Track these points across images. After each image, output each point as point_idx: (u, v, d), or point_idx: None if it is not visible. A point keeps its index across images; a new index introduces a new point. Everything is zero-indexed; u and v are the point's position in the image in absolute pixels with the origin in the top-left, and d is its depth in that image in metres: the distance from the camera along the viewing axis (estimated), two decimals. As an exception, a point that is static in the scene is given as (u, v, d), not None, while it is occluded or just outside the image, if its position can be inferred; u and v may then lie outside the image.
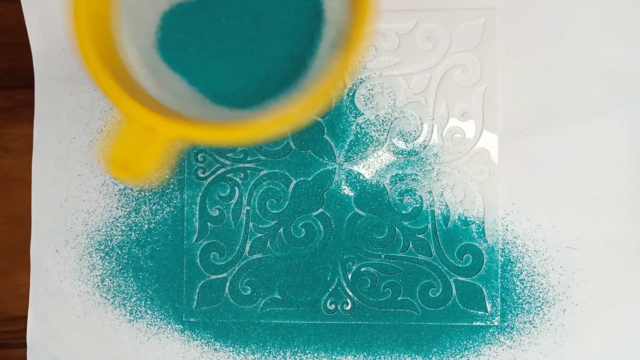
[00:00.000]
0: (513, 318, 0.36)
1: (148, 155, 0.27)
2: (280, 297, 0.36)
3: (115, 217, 0.37)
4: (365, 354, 0.36)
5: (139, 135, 0.27)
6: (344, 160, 0.36)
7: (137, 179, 0.28)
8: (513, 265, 0.36)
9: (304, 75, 0.28)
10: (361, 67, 0.35)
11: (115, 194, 0.37)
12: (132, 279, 0.37)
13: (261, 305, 0.36)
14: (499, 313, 0.36)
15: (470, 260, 0.36)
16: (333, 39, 0.28)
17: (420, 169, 0.36)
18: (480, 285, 0.36)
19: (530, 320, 0.36)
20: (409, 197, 0.36)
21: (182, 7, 0.29)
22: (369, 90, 0.36)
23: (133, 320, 0.37)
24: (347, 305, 0.36)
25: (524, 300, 0.36)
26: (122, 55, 0.28)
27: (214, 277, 0.36)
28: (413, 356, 0.36)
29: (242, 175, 0.36)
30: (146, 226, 0.37)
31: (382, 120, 0.36)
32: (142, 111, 0.26)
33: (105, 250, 0.37)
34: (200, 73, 0.29)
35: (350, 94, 0.36)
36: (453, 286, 0.36)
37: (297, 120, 0.26)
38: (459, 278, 0.36)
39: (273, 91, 0.29)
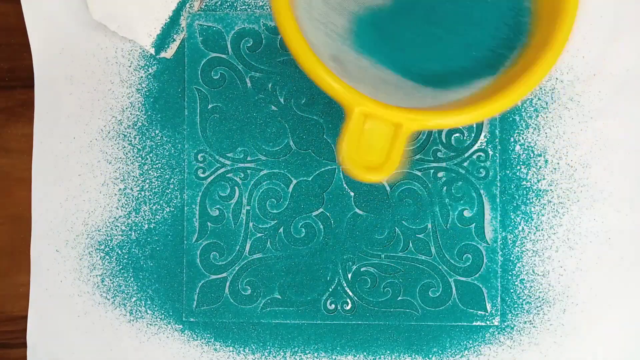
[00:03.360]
0: (513, 318, 0.36)
1: (395, 151, 0.27)
2: (280, 297, 0.36)
3: (115, 217, 0.37)
4: (365, 353, 0.36)
5: (383, 132, 0.26)
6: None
7: (387, 177, 0.28)
8: (513, 265, 0.36)
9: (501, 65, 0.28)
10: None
11: (115, 194, 0.37)
12: (132, 279, 0.37)
13: (261, 305, 0.36)
14: (498, 313, 0.36)
15: (470, 260, 0.36)
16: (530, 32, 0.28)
17: (421, 169, 0.36)
18: (480, 285, 0.36)
19: (530, 320, 0.36)
20: (409, 197, 0.36)
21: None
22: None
23: (133, 320, 0.37)
24: (347, 305, 0.36)
25: (524, 300, 0.36)
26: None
27: (214, 277, 0.36)
28: (413, 356, 0.36)
29: (242, 175, 0.36)
30: (146, 226, 0.37)
31: (382, 120, 0.36)
32: (389, 109, 0.26)
33: (105, 250, 0.37)
34: (393, 54, 0.29)
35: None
36: (453, 286, 0.36)
37: (509, 103, 0.27)
38: (459, 278, 0.36)
39: (470, 75, 0.29)
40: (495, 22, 0.29)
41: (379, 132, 0.27)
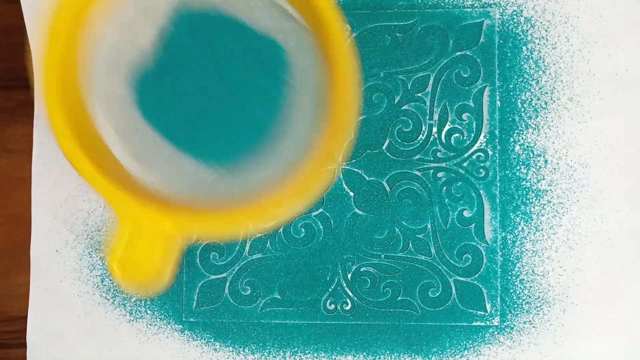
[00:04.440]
0: (513, 318, 0.36)
1: (154, 256, 0.26)
2: (280, 297, 0.36)
3: (115, 217, 0.37)
4: (364, 353, 0.36)
5: (156, 243, 0.26)
6: (343, 160, 0.36)
7: (142, 284, 0.28)
8: (513, 265, 0.36)
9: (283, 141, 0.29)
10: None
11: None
12: (132, 279, 0.37)
13: (261, 305, 0.36)
14: (498, 313, 0.36)
15: (470, 261, 0.36)
16: (309, 109, 0.29)
17: (420, 169, 0.36)
18: (480, 286, 0.36)
19: (530, 321, 0.36)
20: (409, 197, 0.36)
21: (149, 76, 0.29)
22: (369, 89, 0.36)
23: (133, 320, 0.37)
24: (347, 305, 0.36)
25: (524, 300, 0.36)
26: (98, 133, 0.28)
27: (213, 277, 0.36)
28: (413, 356, 0.36)
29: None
30: (146, 226, 0.37)
31: (382, 120, 0.36)
32: (136, 206, 0.25)
33: (105, 250, 0.37)
34: (182, 132, 0.30)
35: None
36: (453, 286, 0.36)
37: (297, 202, 0.27)
38: (459, 278, 0.36)
39: (251, 145, 0.30)
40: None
41: (151, 243, 0.26)
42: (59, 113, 0.26)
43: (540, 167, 0.36)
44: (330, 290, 0.36)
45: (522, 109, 0.36)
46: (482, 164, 0.36)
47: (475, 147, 0.36)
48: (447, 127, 0.36)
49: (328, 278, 0.36)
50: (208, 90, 0.29)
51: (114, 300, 0.37)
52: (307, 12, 0.28)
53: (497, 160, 0.36)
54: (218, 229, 0.27)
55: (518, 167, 0.36)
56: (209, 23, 0.29)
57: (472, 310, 0.36)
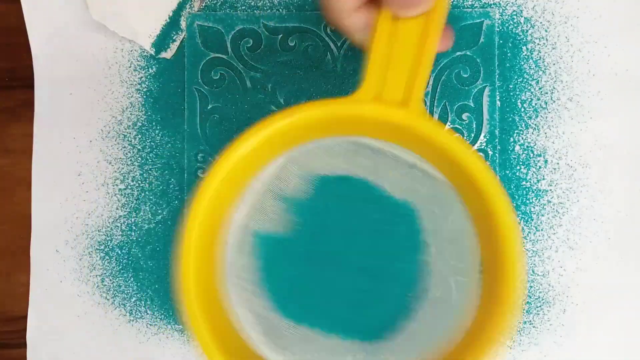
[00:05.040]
0: (513, 318, 0.36)
1: None
2: (280, 297, 0.36)
3: (115, 217, 0.37)
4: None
5: None
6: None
7: None
8: (513, 265, 0.36)
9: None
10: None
11: (115, 194, 0.37)
12: (132, 279, 0.37)
13: (261, 305, 0.36)
14: (498, 313, 0.36)
15: (470, 260, 0.36)
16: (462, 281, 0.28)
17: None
18: (480, 285, 0.36)
19: (530, 321, 0.36)
20: (409, 197, 0.36)
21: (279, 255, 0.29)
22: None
23: (133, 320, 0.37)
24: (347, 305, 0.36)
25: (524, 300, 0.36)
26: (232, 322, 0.28)
27: (214, 277, 0.36)
28: (413, 356, 0.36)
29: (242, 175, 0.36)
30: (146, 226, 0.37)
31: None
32: None
33: (105, 250, 0.37)
34: (317, 314, 0.28)
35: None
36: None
37: None
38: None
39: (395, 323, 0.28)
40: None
41: None
42: (200, 316, 0.25)
43: (540, 167, 0.36)
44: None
45: (522, 109, 0.36)
46: (482, 164, 0.36)
47: (475, 147, 0.36)
48: (447, 127, 0.36)
49: (328, 278, 0.36)
50: (343, 262, 0.28)
51: (114, 300, 0.37)
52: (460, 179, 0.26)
53: (497, 160, 0.36)
54: None
55: (518, 167, 0.36)
56: (341, 189, 0.28)
57: (472, 310, 0.36)
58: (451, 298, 0.28)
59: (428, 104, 0.36)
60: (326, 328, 0.28)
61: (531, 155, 0.36)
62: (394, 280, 0.28)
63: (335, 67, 0.36)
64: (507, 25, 0.36)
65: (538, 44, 0.36)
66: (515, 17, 0.36)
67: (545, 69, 0.36)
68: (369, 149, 0.28)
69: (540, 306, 0.36)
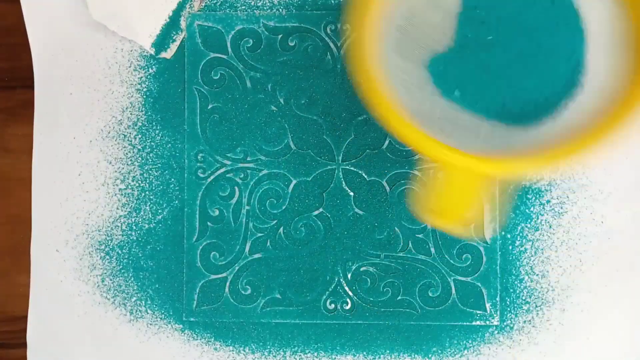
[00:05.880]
0: (512, 318, 0.36)
1: (467, 198, 0.27)
2: (280, 297, 0.36)
3: (115, 217, 0.37)
4: (364, 353, 0.36)
5: (456, 180, 0.27)
6: (343, 160, 0.36)
7: (458, 224, 0.28)
8: (512, 265, 0.36)
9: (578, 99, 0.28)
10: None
11: (116, 194, 0.37)
12: (132, 279, 0.37)
13: (261, 304, 0.36)
14: (498, 313, 0.36)
15: (470, 260, 0.36)
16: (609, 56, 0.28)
17: (420, 169, 0.36)
18: (480, 285, 0.36)
19: (530, 320, 0.36)
20: (409, 196, 0.36)
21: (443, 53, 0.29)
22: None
23: (133, 320, 0.37)
24: (347, 305, 0.36)
25: (524, 300, 0.36)
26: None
27: (214, 276, 0.36)
28: (412, 355, 0.36)
29: (242, 175, 0.36)
30: (146, 226, 0.37)
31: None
32: (459, 155, 0.26)
33: (106, 250, 0.37)
34: (469, 90, 0.29)
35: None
36: (452, 286, 0.36)
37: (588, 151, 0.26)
38: (459, 278, 0.36)
39: (549, 107, 0.29)
40: (565, 48, 0.29)
41: (453, 178, 0.27)
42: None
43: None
44: (330, 289, 0.36)
45: (522, 109, 0.36)
46: (482, 164, 0.36)
47: (475, 147, 0.36)
48: (447, 127, 0.36)
49: (328, 278, 0.36)
50: (501, 50, 0.29)
51: (114, 300, 0.37)
52: None
53: (497, 160, 0.36)
54: (525, 170, 0.27)
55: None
56: None
57: (471, 310, 0.36)
58: (603, 91, 0.28)
59: (428, 104, 0.36)
60: (485, 113, 0.29)
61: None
62: (551, 68, 0.29)
63: (335, 67, 0.36)
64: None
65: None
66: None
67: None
68: None
69: (539, 306, 0.36)
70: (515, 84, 0.29)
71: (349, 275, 0.36)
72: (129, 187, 0.37)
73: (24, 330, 0.37)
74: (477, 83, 0.29)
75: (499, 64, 0.29)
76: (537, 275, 0.36)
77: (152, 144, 0.37)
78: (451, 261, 0.36)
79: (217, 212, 0.36)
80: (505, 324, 0.36)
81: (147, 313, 0.37)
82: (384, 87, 0.27)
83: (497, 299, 0.36)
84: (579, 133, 0.27)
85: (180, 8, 0.36)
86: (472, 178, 0.27)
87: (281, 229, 0.36)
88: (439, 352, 0.36)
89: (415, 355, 0.36)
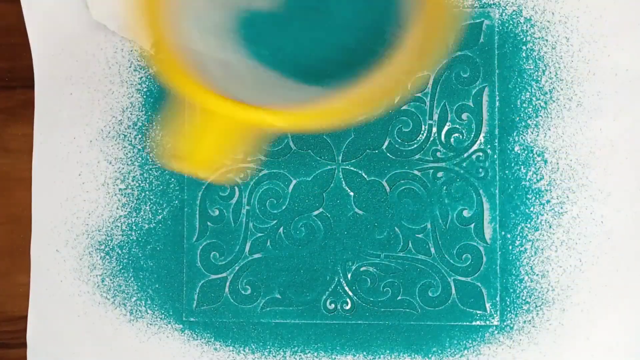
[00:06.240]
0: (512, 318, 0.36)
1: (223, 144, 0.26)
2: (280, 297, 0.36)
3: (115, 217, 0.37)
4: (364, 353, 0.36)
5: (216, 126, 0.26)
6: (343, 160, 0.36)
7: (202, 168, 0.28)
8: (512, 265, 0.36)
9: (385, 52, 0.28)
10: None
11: (116, 194, 0.37)
12: (132, 279, 0.37)
13: (261, 304, 0.36)
14: (498, 313, 0.36)
15: (470, 260, 0.36)
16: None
17: (420, 169, 0.36)
18: (480, 285, 0.36)
19: (530, 320, 0.36)
20: (408, 197, 0.36)
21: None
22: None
23: (133, 320, 0.37)
24: (347, 305, 0.36)
25: (523, 300, 0.36)
26: (180, 40, 0.27)
27: (214, 276, 0.36)
28: (412, 355, 0.36)
29: (242, 175, 0.36)
30: (146, 226, 0.37)
31: (382, 120, 0.36)
32: (208, 96, 0.25)
33: (106, 250, 0.37)
34: (270, 47, 0.29)
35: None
36: (452, 286, 0.36)
37: (370, 105, 0.26)
38: (458, 278, 0.36)
39: (353, 66, 0.28)
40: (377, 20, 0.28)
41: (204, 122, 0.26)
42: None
43: (539, 167, 0.36)
44: (330, 289, 0.36)
45: (522, 109, 0.36)
46: (481, 164, 0.36)
47: (474, 147, 0.36)
48: (446, 127, 0.36)
49: (328, 278, 0.36)
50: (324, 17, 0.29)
51: (114, 300, 0.37)
52: None
53: (497, 160, 0.36)
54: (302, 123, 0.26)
55: (517, 167, 0.36)
56: None
57: (471, 310, 0.36)
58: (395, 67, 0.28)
59: (428, 103, 0.36)
60: (288, 72, 0.29)
61: (531, 155, 0.36)
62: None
63: (335, 67, 0.36)
64: (507, 25, 0.36)
65: (538, 44, 0.36)
66: (515, 17, 0.36)
67: (545, 68, 0.36)
68: None
69: (539, 306, 0.36)
70: (321, 47, 0.29)
71: (349, 275, 0.36)
72: (129, 187, 0.37)
73: (24, 330, 0.37)
74: (286, 44, 0.29)
75: (318, 30, 0.29)
76: (537, 275, 0.36)
77: (152, 144, 0.37)
78: (451, 261, 0.36)
79: (217, 212, 0.36)
80: (505, 324, 0.36)
81: (147, 313, 0.37)
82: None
83: (497, 299, 0.36)
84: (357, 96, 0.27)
85: (180, 8, 0.36)
86: (232, 125, 0.26)
87: (281, 229, 0.36)
88: (439, 352, 0.36)
89: (415, 355, 0.36)
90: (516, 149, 0.36)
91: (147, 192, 0.37)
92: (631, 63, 0.36)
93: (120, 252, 0.37)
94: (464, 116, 0.36)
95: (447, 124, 0.36)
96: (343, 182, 0.36)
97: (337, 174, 0.36)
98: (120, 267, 0.37)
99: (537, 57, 0.36)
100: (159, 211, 0.37)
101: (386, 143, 0.36)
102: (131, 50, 0.37)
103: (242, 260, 0.36)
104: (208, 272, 0.36)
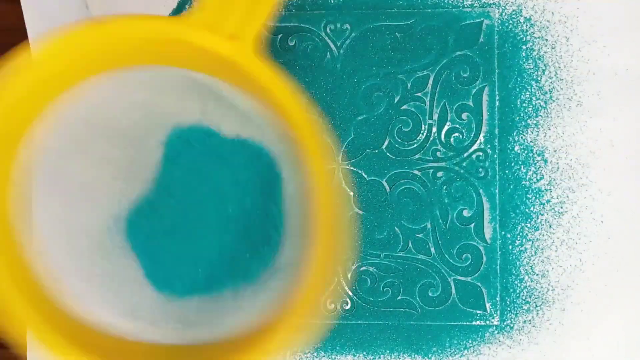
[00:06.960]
0: (512, 317, 0.36)
1: None
2: (279, 297, 0.36)
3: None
4: (364, 353, 0.36)
5: None
6: (342, 159, 0.36)
7: None
8: (512, 264, 0.36)
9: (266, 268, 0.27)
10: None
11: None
12: (132, 279, 0.37)
13: (261, 304, 0.36)
14: (498, 312, 0.36)
15: (470, 260, 0.36)
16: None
17: (420, 169, 0.36)
18: (480, 285, 0.36)
19: (530, 320, 0.36)
20: (408, 196, 0.36)
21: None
22: (369, 89, 0.36)
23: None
24: (347, 305, 0.36)
25: (524, 299, 0.36)
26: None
27: (213, 276, 0.36)
28: (412, 355, 0.36)
29: (242, 175, 0.36)
30: (146, 226, 0.37)
31: (382, 120, 0.36)
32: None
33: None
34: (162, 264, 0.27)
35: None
36: (452, 285, 0.36)
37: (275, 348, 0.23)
38: (459, 277, 0.36)
39: (227, 275, 0.27)
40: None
41: None
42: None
43: (539, 167, 0.36)
44: (329, 289, 0.36)
45: (522, 109, 0.36)
46: (481, 164, 0.36)
47: (474, 147, 0.36)
48: (446, 127, 0.36)
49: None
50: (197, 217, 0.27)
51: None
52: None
53: (497, 160, 0.36)
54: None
55: (517, 167, 0.36)
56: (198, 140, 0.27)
57: (471, 310, 0.36)
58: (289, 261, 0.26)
59: (427, 103, 0.36)
60: (161, 286, 0.28)
61: (531, 154, 0.36)
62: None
63: (335, 67, 0.36)
64: (506, 25, 0.36)
65: (538, 44, 0.36)
66: (514, 16, 0.36)
67: (545, 68, 0.36)
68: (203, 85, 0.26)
69: (539, 306, 0.36)
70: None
71: (349, 275, 0.36)
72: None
73: (24, 330, 0.37)
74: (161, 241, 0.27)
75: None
76: (537, 275, 0.36)
77: (152, 143, 0.37)
78: (451, 261, 0.36)
79: (216, 212, 0.36)
80: (505, 323, 0.36)
81: (147, 313, 0.37)
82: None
83: (497, 298, 0.36)
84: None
85: (180, 8, 0.36)
86: None
87: (281, 228, 0.36)
88: (439, 352, 0.36)
89: (415, 355, 0.36)
90: (516, 148, 0.36)
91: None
92: (631, 63, 0.36)
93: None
94: (464, 116, 0.36)
95: (447, 123, 0.36)
96: (343, 182, 0.36)
97: (337, 174, 0.36)
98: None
99: (537, 57, 0.36)
100: (159, 211, 0.37)
101: (386, 143, 0.36)
102: (131, 50, 0.37)
103: (242, 260, 0.36)
104: (208, 272, 0.36)
